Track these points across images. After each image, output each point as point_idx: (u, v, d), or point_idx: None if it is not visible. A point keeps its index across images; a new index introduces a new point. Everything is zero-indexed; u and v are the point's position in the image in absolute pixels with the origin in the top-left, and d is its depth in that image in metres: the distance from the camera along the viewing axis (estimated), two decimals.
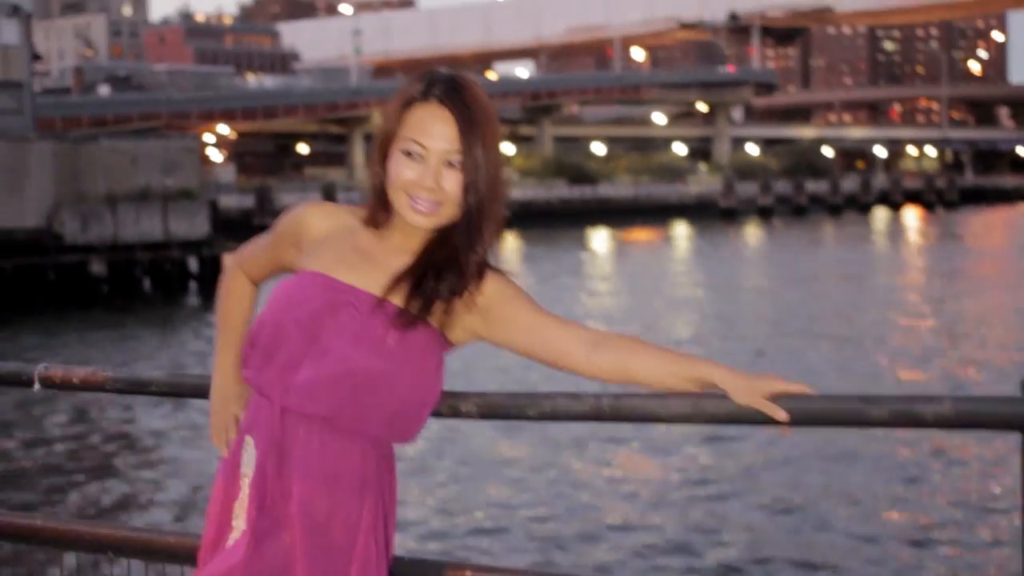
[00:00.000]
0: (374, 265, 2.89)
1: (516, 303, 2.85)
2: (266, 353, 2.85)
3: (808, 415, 2.67)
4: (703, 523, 14.50)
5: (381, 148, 2.90)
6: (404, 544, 11.88)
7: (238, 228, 62.41)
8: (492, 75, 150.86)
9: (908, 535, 13.94)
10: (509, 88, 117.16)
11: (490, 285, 2.86)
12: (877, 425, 2.62)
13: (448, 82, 2.85)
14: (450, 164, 2.81)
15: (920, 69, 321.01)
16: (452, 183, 2.81)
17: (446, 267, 2.85)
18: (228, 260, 3.25)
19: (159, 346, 30.48)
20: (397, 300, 2.83)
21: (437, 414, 2.92)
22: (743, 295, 40.22)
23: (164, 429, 20.19)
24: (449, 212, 2.83)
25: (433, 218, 2.83)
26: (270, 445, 2.83)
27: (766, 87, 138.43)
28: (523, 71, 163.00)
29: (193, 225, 44.22)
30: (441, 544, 13.59)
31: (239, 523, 2.85)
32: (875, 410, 2.60)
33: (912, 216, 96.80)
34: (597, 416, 2.84)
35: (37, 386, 3.45)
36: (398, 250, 2.91)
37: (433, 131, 2.81)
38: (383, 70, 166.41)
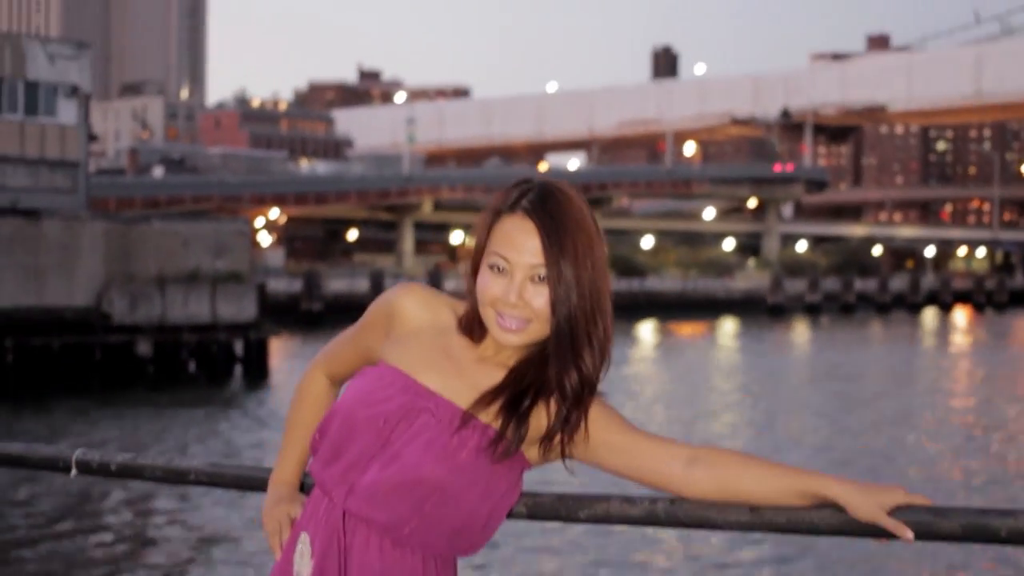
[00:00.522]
0: (461, 373, 2.74)
1: (610, 426, 2.69)
2: (334, 448, 2.72)
3: (934, 530, 2.48)
4: None
5: (473, 262, 2.76)
6: None
7: (285, 312, 62.79)
8: (544, 166, 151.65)
9: None
10: (560, 179, 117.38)
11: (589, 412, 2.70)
12: (1010, 542, 2.45)
13: (538, 191, 2.72)
14: (538, 279, 2.65)
15: (972, 170, 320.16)
16: (539, 299, 2.65)
17: (543, 390, 2.69)
18: (309, 363, 3.09)
19: (202, 431, 30.51)
20: (484, 417, 2.67)
21: None
22: (791, 392, 40.03)
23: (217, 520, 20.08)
24: (539, 329, 2.67)
25: (522, 335, 2.67)
26: (328, 547, 2.69)
27: (817, 184, 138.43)
28: (575, 163, 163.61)
29: (240, 308, 44.31)
30: None
31: None
32: (1010, 522, 2.44)
33: (961, 317, 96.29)
34: (652, 521, 2.72)
35: (74, 472, 3.36)
36: (490, 363, 2.76)
37: (517, 244, 2.67)
38: (435, 158, 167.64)
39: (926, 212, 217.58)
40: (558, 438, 2.68)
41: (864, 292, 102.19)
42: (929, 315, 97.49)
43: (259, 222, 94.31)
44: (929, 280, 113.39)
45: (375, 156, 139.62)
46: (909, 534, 2.48)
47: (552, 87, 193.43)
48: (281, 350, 50.68)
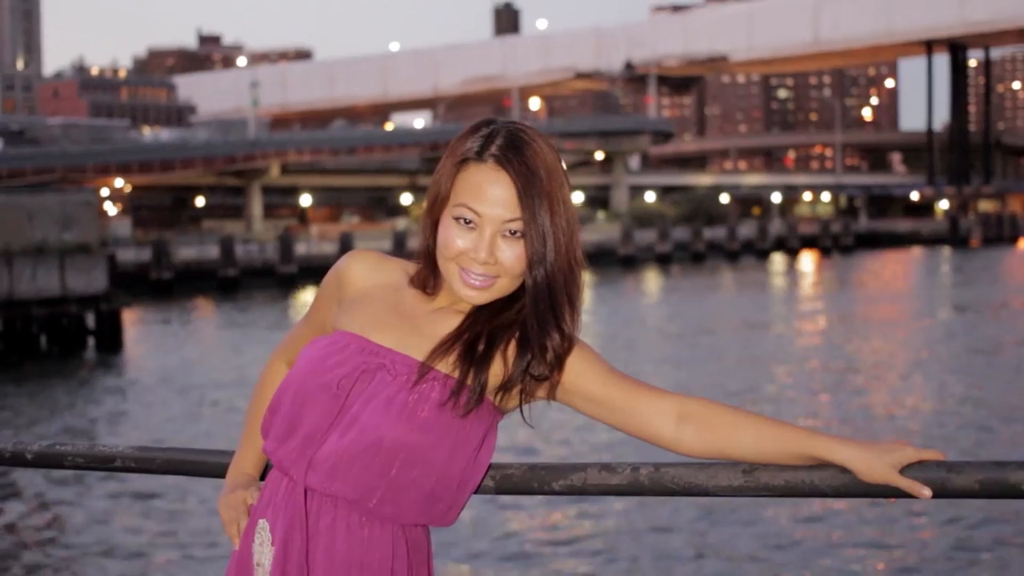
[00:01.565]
0: (416, 327, 2.60)
1: (590, 376, 2.55)
2: (288, 423, 2.54)
3: (951, 487, 2.36)
4: None
5: (432, 211, 2.59)
6: None
7: (136, 282, 62.03)
8: (390, 126, 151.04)
9: None
10: (407, 139, 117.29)
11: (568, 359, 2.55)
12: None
13: (506, 137, 2.53)
14: (509, 234, 2.50)
15: (814, 116, 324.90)
16: (510, 255, 2.50)
17: (502, 333, 2.54)
18: (270, 354, 2.92)
19: (58, 405, 30.03)
20: (443, 367, 2.52)
21: None
22: (647, 343, 40.34)
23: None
24: (506, 286, 2.52)
25: (486, 293, 2.51)
26: (291, 530, 2.52)
27: (663, 135, 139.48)
28: (420, 122, 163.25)
29: (90, 280, 43.67)
30: None
31: None
32: None
33: (809, 261, 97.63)
34: (635, 490, 2.55)
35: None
36: (446, 312, 2.62)
37: (488, 196, 2.50)
38: (280, 122, 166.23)
39: (770, 159, 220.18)
40: (529, 384, 2.54)
41: (713, 240, 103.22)
42: (777, 260, 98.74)
43: (104, 192, 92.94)
44: (776, 226, 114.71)
45: (219, 121, 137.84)
46: (927, 492, 2.36)
47: (395, 47, 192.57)
48: (134, 320, 50.02)
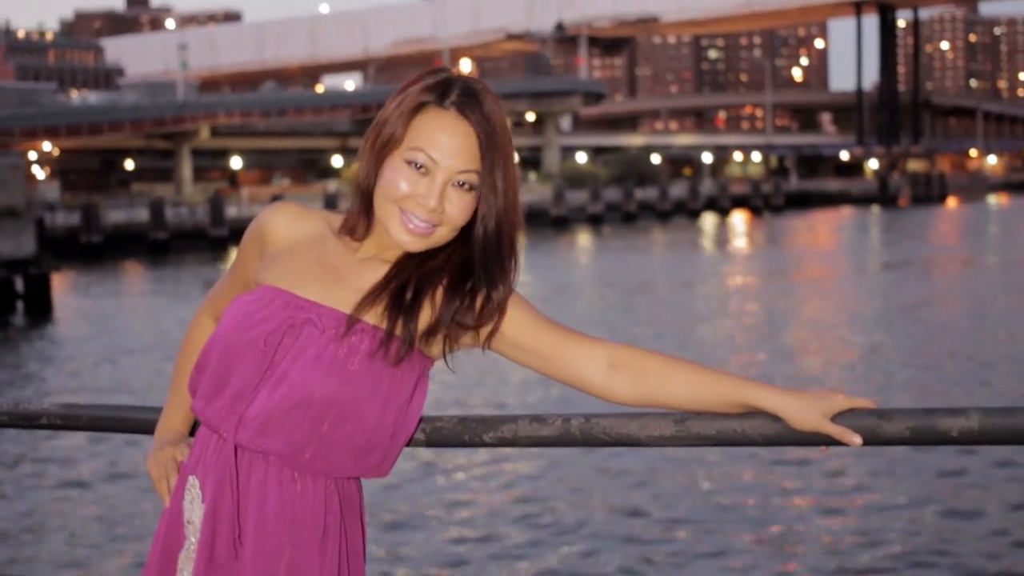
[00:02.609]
0: (341, 278, 2.56)
1: (523, 325, 2.53)
2: (216, 381, 2.50)
3: (881, 434, 2.35)
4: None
5: (379, 150, 2.52)
6: None
7: (65, 246, 61.48)
8: (320, 88, 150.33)
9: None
10: (338, 101, 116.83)
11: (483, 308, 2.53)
12: (961, 443, 2.33)
13: (463, 88, 2.51)
14: (459, 185, 2.48)
15: (744, 77, 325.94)
16: (457, 207, 2.48)
17: (430, 280, 2.52)
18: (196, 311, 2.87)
19: None
20: (370, 320, 2.49)
21: None
22: (579, 303, 40.43)
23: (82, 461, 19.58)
24: (443, 235, 2.50)
25: (424, 240, 2.49)
26: (221, 488, 2.49)
27: (594, 96, 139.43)
28: (351, 84, 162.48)
29: (19, 244, 43.27)
30: None
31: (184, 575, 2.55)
32: (961, 422, 2.32)
33: (740, 221, 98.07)
34: (566, 441, 2.53)
35: None
36: (372, 261, 2.57)
37: (446, 145, 2.47)
38: (210, 84, 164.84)
39: (701, 120, 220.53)
40: (457, 331, 2.53)
41: (645, 200, 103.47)
42: (708, 220, 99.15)
43: (32, 156, 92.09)
44: (707, 186, 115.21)
45: (148, 84, 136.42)
46: (857, 439, 2.36)
47: (324, 8, 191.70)
48: (63, 284, 49.67)
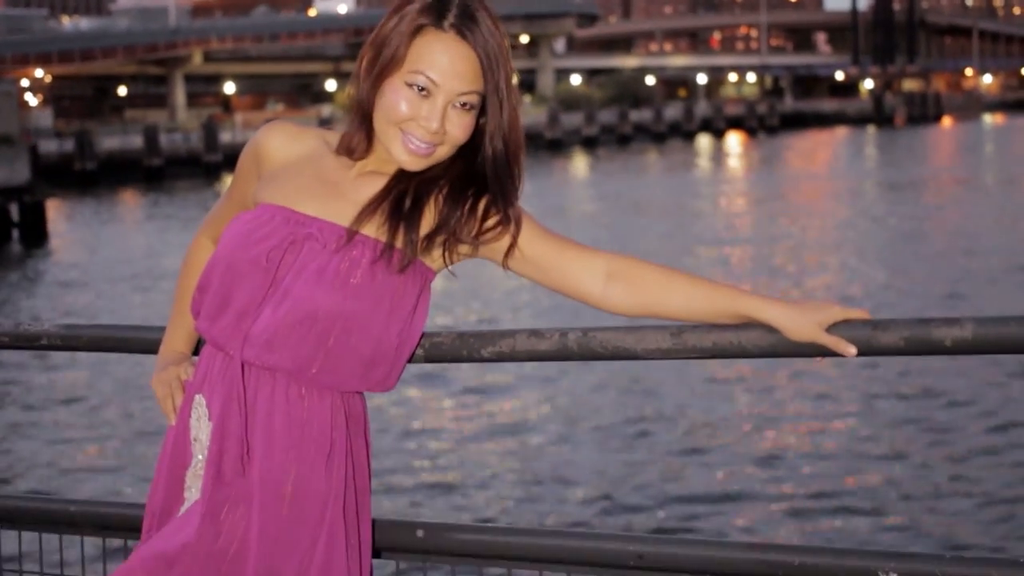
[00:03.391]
0: (340, 193, 2.57)
1: (526, 233, 2.55)
2: (220, 300, 2.53)
3: (876, 345, 2.37)
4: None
5: (378, 72, 2.52)
6: (380, 505, 11.57)
7: (59, 173, 61.25)
8: (313, 12, 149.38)
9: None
10: (331, 25, 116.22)
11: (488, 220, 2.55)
12: (955, 352, 2.34)
13: (462, 7, 2.50)
14: (459, 106, 2.48)
15: None
16: (458, 127, 2.49)
17: (429, 188, 2.54)
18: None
19: None
20: (370, 231, 2.50)
21: None
22: (575, 225, 40.43)
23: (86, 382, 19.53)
24: (443, 153, 2.51)
25: (424, 160, 2.50)
26: (228, 404, 2.51)
27: (588, 18, 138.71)
28: (343, 7, 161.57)
29: (13, 171, 43.18)
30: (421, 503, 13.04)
31: (192, 493, 2.58)
32: (955, 332, 2.33)
33: (735, 142, 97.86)
34: (564, 355, 2.57)
35: None
36: (370, 176, 2.58)
37: (447, 67, 2.47)
38: (202, 9, 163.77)
39: (696, 41, 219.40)
40: (458, 242, 2.54)
41: (640, 122, 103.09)
42: (704, 141, 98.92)
43: (24, 83, 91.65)
44: (702, 107, 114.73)
45: (140, 9, 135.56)
46: (852, 350, 2.37)
47: None
48: (58, 211, 49.60)
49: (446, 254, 2.55)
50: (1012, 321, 2.32)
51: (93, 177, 65.72)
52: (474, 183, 2.54)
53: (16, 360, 20.08)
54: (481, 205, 2.53)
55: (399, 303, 2.50)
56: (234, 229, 2.56)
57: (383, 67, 2.52)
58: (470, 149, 2.55)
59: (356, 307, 2.46)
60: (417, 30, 2.49)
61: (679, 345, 2.48)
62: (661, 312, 2.50)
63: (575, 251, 2.56)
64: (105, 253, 36.84)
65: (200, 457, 2.57)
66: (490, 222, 2.53)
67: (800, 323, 2.39)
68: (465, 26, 2.48)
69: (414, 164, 2.51)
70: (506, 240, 2.53)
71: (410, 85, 2.48)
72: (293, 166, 2.62)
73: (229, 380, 2.52)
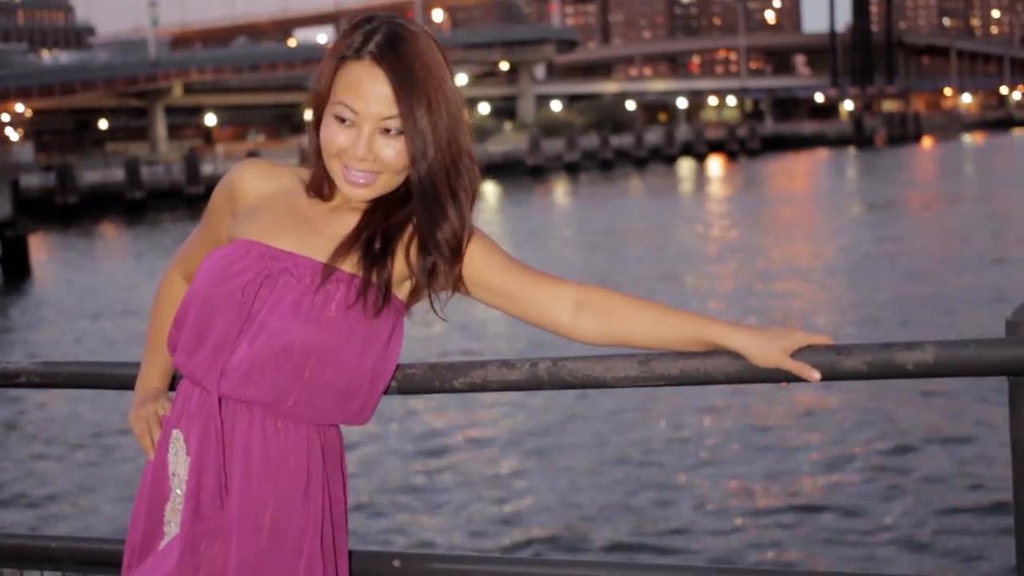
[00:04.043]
0: (315, 228, 2.59)
1: (489, 267, 2.58)
2: (196, 334, 2.54)
3: (840, 369, 2.40)
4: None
5: (316, 111, 2.57)
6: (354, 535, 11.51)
7: (41, 208, 61.14)
8: (292, 42, 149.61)
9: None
10: (311, 55, 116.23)
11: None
12: (917, 376, 2.38)
13: (384, 34, 2.50)
14: (385, 131, 2.49)
15: (717, 21, 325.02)
16: (389, 152, 2.49)
17: (399, 229, 2.57)
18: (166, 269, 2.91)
19: None
20: (346, 267, 2.52)
21: None
22: (556, 250, 40.44)
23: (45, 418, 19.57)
24: (390, 181, 2.53)
25: (369, 189, 2.51)
26: (206, 438, 2.53)
27: (567, 44, 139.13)
28: (324, 37, 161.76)
29: None
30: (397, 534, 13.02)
31: (171, 528, 2.59)
32: (916, 355, 2.37)
33: (716, 166, 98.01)
34: (534, 384, 2.59)
35: None
36: (342, 211, 2.61)
37: (365, 93, 2.48)
38: (181, 41, 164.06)
39: (675, 65, 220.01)
40: (428, 277, 2.56)
41: (621, 147, 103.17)
42: (685, 166, 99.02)
43: (4, 117, 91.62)
44: (683, 132, 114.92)
45: (119, 42, 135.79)
46: (815, 375, 2.39)
47: None
48: (40, 246, 49.49)
49: (423, 290, 2.59)
50: (972, 344, 2.36)
51: (75, 211, 65.59)
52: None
53: None
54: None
55: (373, 336, 2.51)
56: (209, 264, 2.57)
57: (317, 105, 2.56)
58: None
59: (331, 340, 2.47)
60: (339, 63, 2.52)
61: (647, 373, 2.50)
62: (629, 341, 2.53)
63: (544, 281, 2.57)
64: (88, 287, 36.78)
65: (179, 492, 2.59)
66: (426, 260, 2.56)
67: (765, 349, 2.41)
68: (380, 52, 2.48)
69: (360, 194, 2.53)
70: (452, 268, 2.56)
71: (338, 117, 2.50)
72: (267, 202, 2.64)
73: (206, 414, 2.54)
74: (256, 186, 2.68)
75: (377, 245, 2.54)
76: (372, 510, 13.69)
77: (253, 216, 2.63)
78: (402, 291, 2.58)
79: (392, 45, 2.49)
